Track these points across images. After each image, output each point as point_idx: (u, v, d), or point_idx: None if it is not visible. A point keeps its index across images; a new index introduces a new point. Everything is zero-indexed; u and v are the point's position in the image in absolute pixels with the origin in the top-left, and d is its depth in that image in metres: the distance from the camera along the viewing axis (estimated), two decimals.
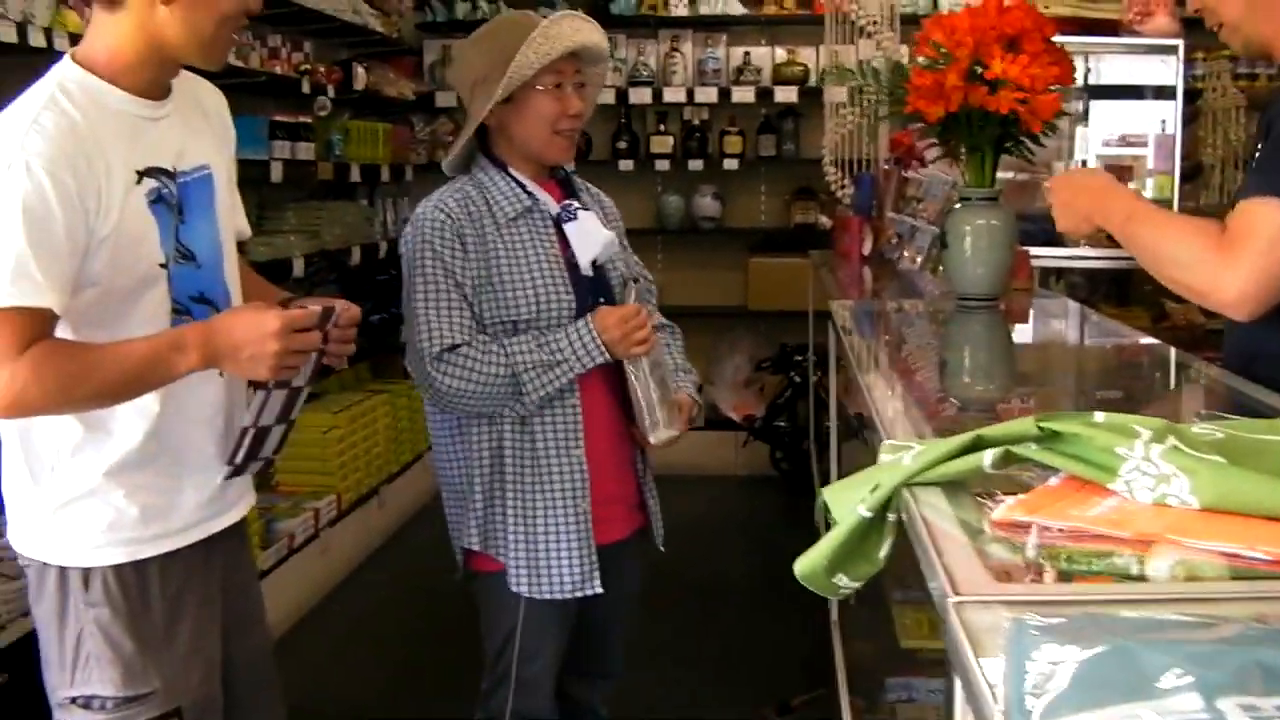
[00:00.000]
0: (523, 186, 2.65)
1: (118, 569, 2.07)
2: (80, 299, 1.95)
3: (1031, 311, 3.40)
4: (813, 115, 6.96)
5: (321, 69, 5.71)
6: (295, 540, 4.83)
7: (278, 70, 5.32)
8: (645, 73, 7.00)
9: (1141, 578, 1.15)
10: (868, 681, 3.11)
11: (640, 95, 6.92)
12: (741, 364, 7.02)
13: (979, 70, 2.82)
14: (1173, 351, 2.57)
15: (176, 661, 2.13)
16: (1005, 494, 1.31)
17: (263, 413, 2.11)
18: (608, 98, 6.51)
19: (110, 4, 1.99)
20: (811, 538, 1.39)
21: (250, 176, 4.51)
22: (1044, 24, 2.90)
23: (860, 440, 5.62)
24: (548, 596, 2.61)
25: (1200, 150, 5.97)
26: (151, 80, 2.05)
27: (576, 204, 2.69)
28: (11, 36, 3.45)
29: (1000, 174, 3.03)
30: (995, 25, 2.84)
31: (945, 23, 2.90)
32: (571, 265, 2.65)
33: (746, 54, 7.05)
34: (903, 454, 1.43)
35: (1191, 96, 5.76)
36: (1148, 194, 6.91)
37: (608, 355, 2.55)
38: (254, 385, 2.10)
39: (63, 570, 2.07)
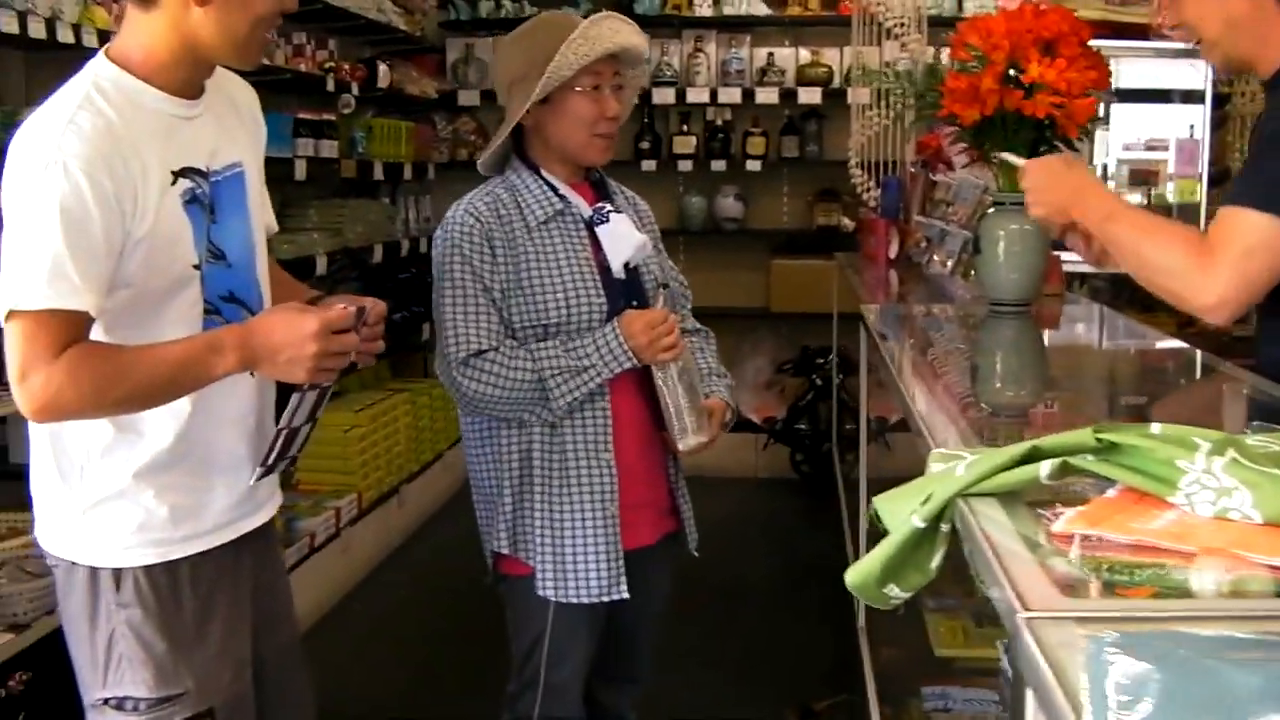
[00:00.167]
0: (555, 189, 2.64)
1: (149, 569, 2.06)
2: (113, 300, 1.93)
3: (1062, 317, 3.38)
4: (836, 117, 6.93)
5: (346, 67, 5.71)
6: (316, 539, 4.83)
7: (302, 68, 5.32)
8: (669, 73, 6.97)
9: (1186, 590, 1.13)
10: (896, 688, 3.09)
11: (663, 95, 6.89)
12: (762, 366, 7.01)
13: (1014, 74, 2.81)
14: (1199, 355, 2.55)
15: (208, 661, 2.11)
16: (1063, 505, 1.29)
17: (296, 414, 2.10)
18: None
19: (144, 3, 1.97)
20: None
21: (274, 174, 4.46)
22: (1080, 28, 2.88)
23: (882, 444, 5.60)
24: (574, 600, 2.60)
25: (1228, 155, 5.93)
26: (186, 80, 2.03)
27: (609, 207, 2.68)
28: (41, 33, 3.46)
29: None
30: (1031, 29, 2.82)
31: (981, 26, 2.88)
32: (604, 268, 2.63)
33: (770, 55, 7.02)
34: (955, 464, 1.41)
35: (1220, 101, 5.72)
36: (1170, 198, 6.90)
37: (634, 361, 2.54)
38: (288, 386, 2.09)
39: (93, 570, 2.05)
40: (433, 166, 6.87)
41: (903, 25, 5.05)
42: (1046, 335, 3.09)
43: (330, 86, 5.49)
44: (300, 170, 5.03)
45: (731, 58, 7.01)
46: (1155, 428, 1.35)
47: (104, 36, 3.70)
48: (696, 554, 2.85)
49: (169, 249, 1.97)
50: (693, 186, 7.14)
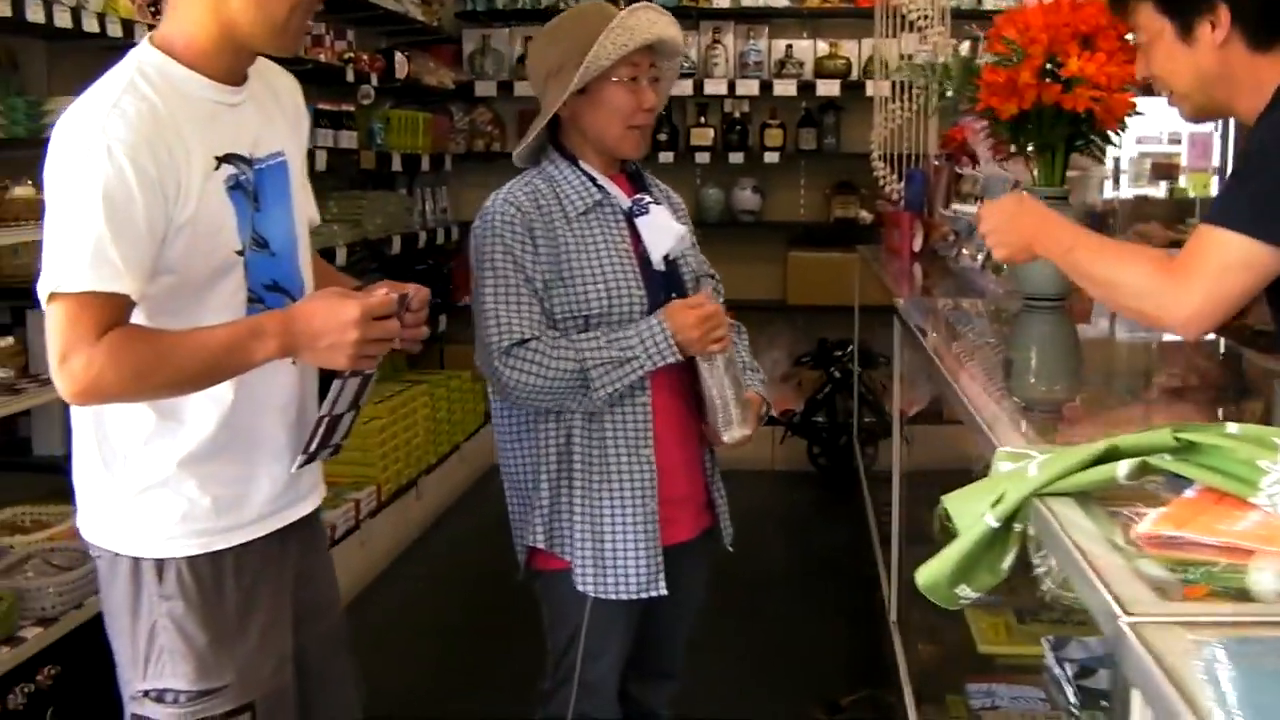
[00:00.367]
0: (593, 180, 2.61)
1: (192, 561, 2.04)
2: (156, 286, 1.92)
3: (1093, 311, 3.35)
4: (854, 109, 6.91)
5: (365, 57, 5.69)
6: (336, 531, 4.81)
7: (322, 58, 5.30)
8: (686, 64, 6.92)
9: (1244, 591, 1.11)
10: (933, 685, 3.07)
11: (681, 87, 6.82)
12: (780, 359, 6.99)
13: (1051, 68, 2.79)
14: (1238, 349, 2.54)
15: (249, 654, 2.10)
16: (1143, 505, 1.27)
17: (338, 401, 2.08)
18: None
19: None
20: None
21: None
22: (1118, 21, 2.85)
23: (902, 437, 5.59)
24: (613, 597, 2.58)
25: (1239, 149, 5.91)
26: (228, 66, 2.02)
27: (648, 198, 2.65)
28: (67, 22, 3.45)
29: None
30: (1070, 22, 2.79)
31: (1018, 19, 2.86)
32: (643, 260, 2.61)
33: (789, 47, 6.99)
34: (1026, 463, 1.39)
35: None
36: (1189, 193, 6.89)
37: (679, 354, 2.51)
38: (329, 373, 2.06)
39: (136, 561, 2.04)
40: (449, 158, 6.85)
41: (926, 18, 5.02)
42: (1082, 330, 3.06)
43: (350, 77, 5.47)
44: (320, 161, 5.00)
45: (749, 49, 6.99)
46: (1233, 427, 1.33)
47: (128, 26, 3.68)
48: (731, 549, 2.83)
49: (212, 235, 1.96)
50: (710, 178, 7.12)
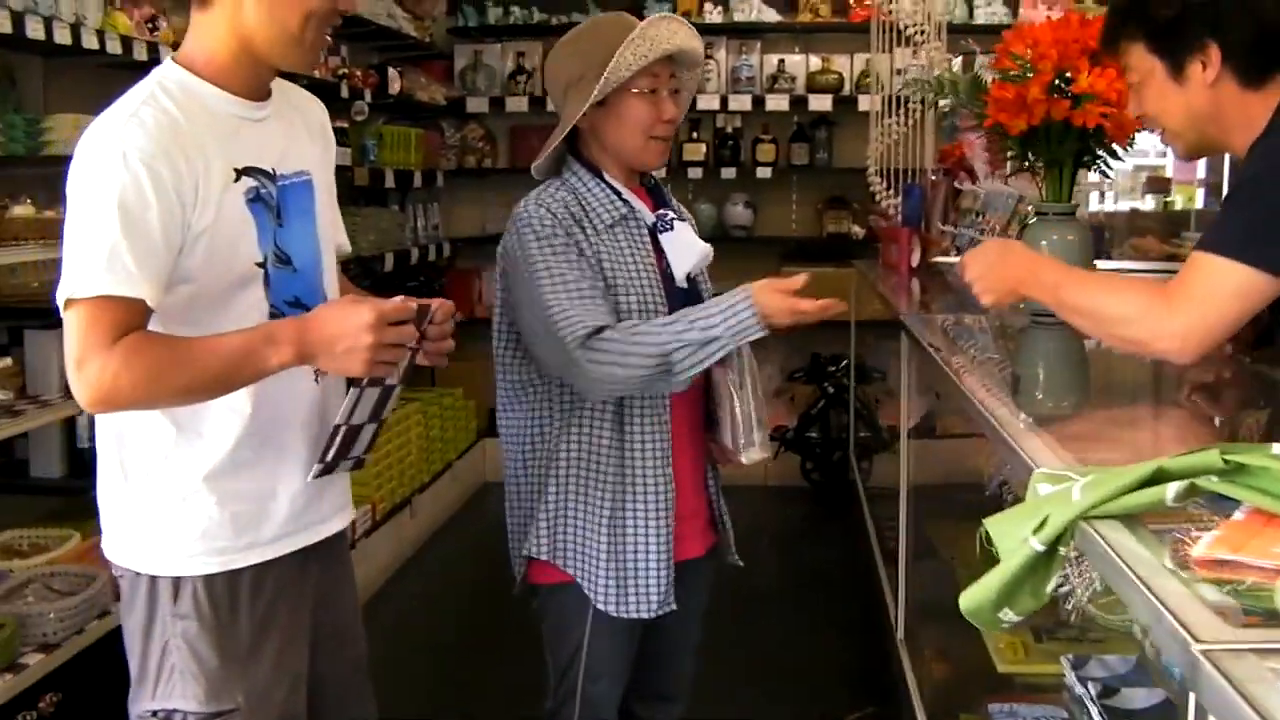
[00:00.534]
0: (618, 193, 2.57)
1: (209, 580, 2.03)
2: (175, 296, 1.92)
3: None
4: (846, 124, 6.91)
5: (359, 73, 5.67)
6: None
7: (316, 74, 5.27)
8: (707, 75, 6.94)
9: (1272, 611, 1.10)
10: (947, 704, 3.05)
11: None
12: (772, 374, 6.97)
13: (1060, 83, 2.78)
14: (1248, 363, 2.53)
15: (261, 678, 2.08)
16: (1181, 523, 1.26)
17: (355, 411, 2.06)
18: None
19: (202, 4, 2.00)
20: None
21: None
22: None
23: (890, 453, 5.56)
24: (633, 614, 2.55)
25: (1223, 162, 5.91)
26: (248, 80, 2.03)
27: (672, 214, 2.63)
28: (67, 38, 3.42)
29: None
30: (1079, 38, 2.78)
31: (1027, 35, 2.86)
32: (665, 276, 2.58)
33: (781, 62, 6.99)
34: (1068, 485, 1.38)
35: None
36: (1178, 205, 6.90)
37: (765, 330, 2.40)
38: (350, 384, 2.05)
39: (153, 580, 2.03)
40: (441, 174, 6.82)
41: (922, 33, 5.02)
42: (1088, 345, 3.05)
43: (345, 93, 5.45)
44: None
45: (742, 64, 6.99)
46: (1278, 448, 1.32)
47: (127, 43, 3.67)
48: (741, 564, 2.81)
49: (231, 245, 1.96)
50: (702, 194, 7.11)
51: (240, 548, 2.05)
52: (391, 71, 6.02)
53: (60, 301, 1.86)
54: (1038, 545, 1.32)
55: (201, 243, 1.92)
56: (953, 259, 2.55)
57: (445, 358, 2.12)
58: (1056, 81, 2.78)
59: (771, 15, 6.95)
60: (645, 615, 2.54)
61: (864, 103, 6.66)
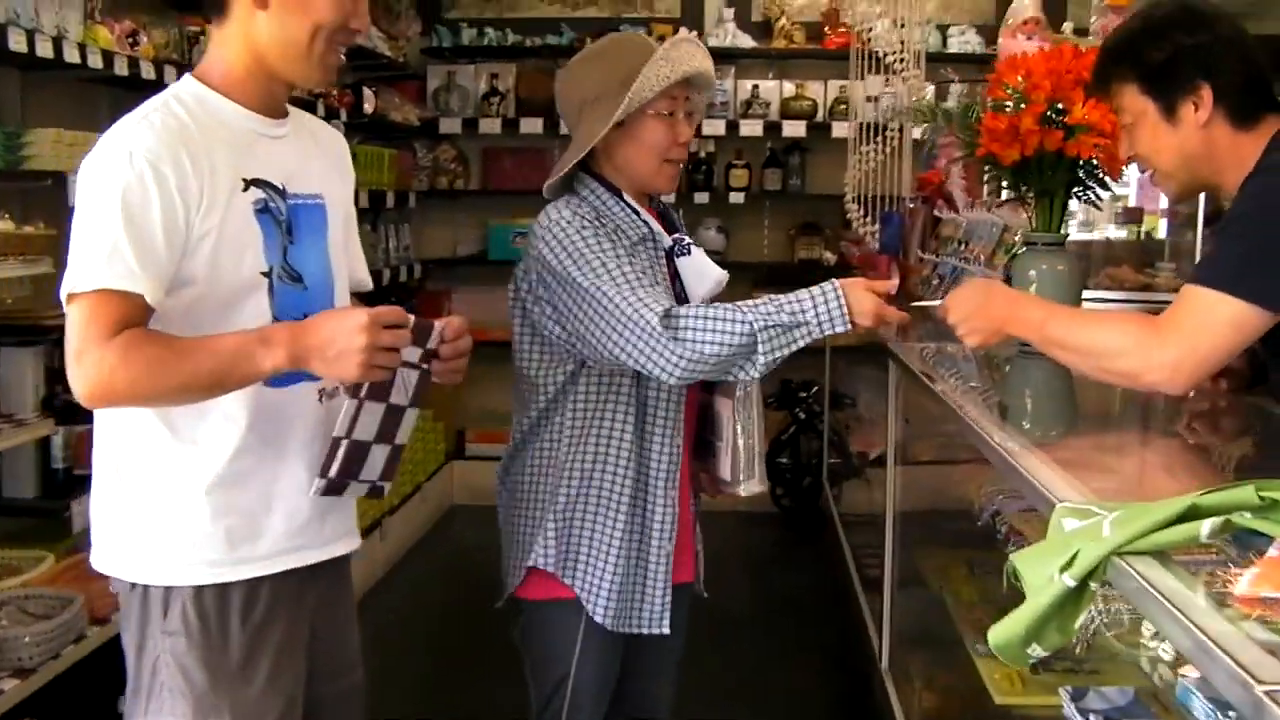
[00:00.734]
0: (638, 213, 2.55)
1: (198, 593, 2.02)
2: (178, 299, 1.94)
3: None
4: (820, 150, 6.94)
5: (334, 92, 5.64)
6: None
7: (294, 92, 5.23)
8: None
9: None
10: None
11: None
12: None
13: (1051, 114, 2.79)
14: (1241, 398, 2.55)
15: (251, 699, 2.06)
16: (1207, 555, 1.26)
17: (356, 425, 2.03)
18: None
19: (217, 16, 2.04)
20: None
21: None
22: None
23: (862, 479, 5.55)
24: (632, 629, 2.55)
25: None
26: (263, 96, 2.06)
27: (688, 238, 2.61)
28: (49, 52, 3.38)
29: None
30: (1072, 69, 2.80)
31: (1020, 65, 2.87)
32: (679, 300, 2.55)
33: (755, 87, 7.02)
34: (1096, 520, 1.37)
35: None
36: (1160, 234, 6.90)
37: (849, 325, 2.34)
38: (351, 395, 2.03)
39: (145, 590, 2.03)
40: (413, 195, 6.79)
41: (902, 61, 5.04)
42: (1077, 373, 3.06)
43: (321, 112, 5.41)
44: None
45: (716, 89, 6.99)
46: None
47: (108, 57, 3.63)
48: (705, 595, 2.81)
49: (237, 250, 1.98)
50: None
51: (232, 561, 2.04)
52: (366, 91, 5.98)
53: (63, 296, 1.89)
54: (1070, 581, 1.31)
55: (205, 245, 1.94)
56: (933, 301, 2.55)
57: (459, 375, 2.11)
58: (1049, 112, 2.80)
59: (746, 41, 6.97)
60: (644, 630, 2.55)
61: (838, 129, 6.70)
